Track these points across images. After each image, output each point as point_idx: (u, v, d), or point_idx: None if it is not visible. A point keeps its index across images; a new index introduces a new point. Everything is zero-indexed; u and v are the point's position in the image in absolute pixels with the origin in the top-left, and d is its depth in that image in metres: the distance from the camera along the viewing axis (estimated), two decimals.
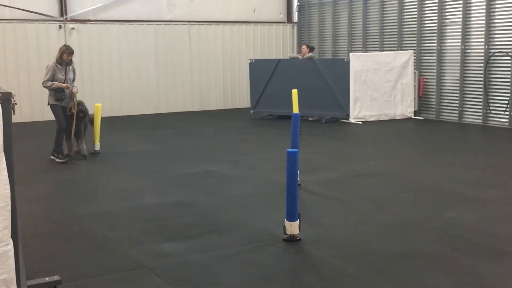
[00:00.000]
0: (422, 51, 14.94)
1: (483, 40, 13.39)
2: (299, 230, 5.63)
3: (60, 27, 15.46)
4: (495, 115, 13.37)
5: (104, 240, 5.77)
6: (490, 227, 5.99)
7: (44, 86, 9.63)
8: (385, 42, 15.91)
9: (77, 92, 9.67)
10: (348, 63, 14.11)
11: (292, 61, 15.21)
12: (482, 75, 13.50)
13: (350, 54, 14.65)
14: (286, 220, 5.63)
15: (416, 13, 14.93)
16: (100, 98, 14.77)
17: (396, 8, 15.43)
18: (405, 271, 4.89)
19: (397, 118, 14.52)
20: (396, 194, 7.47)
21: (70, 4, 15.68)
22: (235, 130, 13.58)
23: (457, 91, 14.13)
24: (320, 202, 7.19)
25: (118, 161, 9.86)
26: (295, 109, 11.76)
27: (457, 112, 14.18)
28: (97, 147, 10.41)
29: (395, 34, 15.54)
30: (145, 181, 8.46)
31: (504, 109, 13.10)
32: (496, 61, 13.27)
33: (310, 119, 14.60)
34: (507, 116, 13.05)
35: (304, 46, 15.19)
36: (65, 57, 9.54)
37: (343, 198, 7.31)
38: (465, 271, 4.88)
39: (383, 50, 15.72)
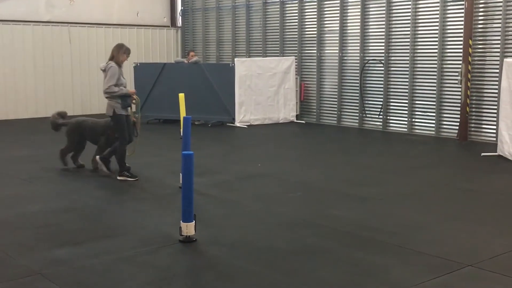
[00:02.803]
0: (303, 58, 15.56)
1: (358, 48, 14.23)
2: (195, 231, 5.71)
3: None
4: (370, 119, 14.24)
5: None
6: (373, 223, 6.42)
7: (107, 92, 8.36)
8: (268, 48, 16.38)
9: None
10: (233, 68, 14.38)
11: (178, 65, 15.22)
12: (358, 81, 14.33)
13: (235, 59, 14.93)
14: (182, 221, 5.68)
15: (296, 21, 15.52)
16: None
17: (278, 15, 15.95)
18: (299, 266, 5.13)
19: (280, 121, 15.00)
20: (284, 194, 7.76)
21: None
22: None
23: (336, 96, 14.87)
24: (213, 203, 7.29)
25: None
26: (183, 113, 11.75)
27: (336, 115, 14.93)
28: None
29: (277, 41, 16.05)
30: (28, 187, 8.11)
31: (378, 113, 14.00)
32: (370, 68, 14.14)
33: (196, 123, 14.64)
34: (381, 120, 13.96)
35: (192, 52, 15.39)
36: (124, 58, 8.46)
37: (235, 199, 7.48)
38: (354, 263, 5.21)
39: (266, 56, 16.17)
